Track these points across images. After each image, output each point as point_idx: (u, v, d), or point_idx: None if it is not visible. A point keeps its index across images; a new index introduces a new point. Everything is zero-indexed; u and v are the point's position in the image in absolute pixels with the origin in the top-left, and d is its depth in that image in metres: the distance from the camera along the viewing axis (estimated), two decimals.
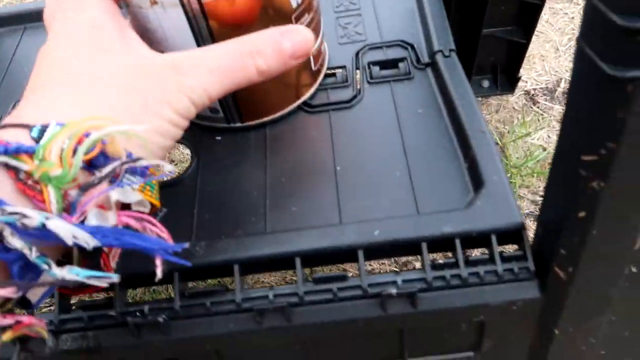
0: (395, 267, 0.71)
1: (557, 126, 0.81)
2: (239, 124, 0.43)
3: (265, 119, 0.44)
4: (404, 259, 0.72)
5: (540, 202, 0.74)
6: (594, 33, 0.23)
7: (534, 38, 0.77)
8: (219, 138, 0.44)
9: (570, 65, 0.89)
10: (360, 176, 0.39)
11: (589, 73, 0.24)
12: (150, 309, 0.34)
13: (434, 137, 0.41)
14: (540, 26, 0.94)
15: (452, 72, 0.43)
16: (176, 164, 0.80)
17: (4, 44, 0.57)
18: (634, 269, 0.31)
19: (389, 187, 0.39)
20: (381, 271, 0.72)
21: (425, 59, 0.46)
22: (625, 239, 0.29)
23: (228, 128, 0.44)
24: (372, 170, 0.40)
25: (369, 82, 0.46)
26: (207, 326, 0.35)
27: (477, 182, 0.37)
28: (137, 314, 0.34)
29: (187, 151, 0.44)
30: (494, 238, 0.33)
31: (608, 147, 0.24)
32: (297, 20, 0.38)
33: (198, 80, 0.30)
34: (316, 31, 0.42)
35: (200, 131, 0.45)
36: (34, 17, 0.58)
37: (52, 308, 0.38)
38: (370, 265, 0.72)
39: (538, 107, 0.83)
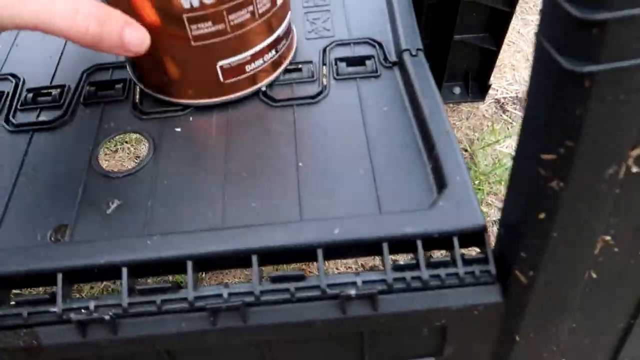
0: (362, 271, 0.70)
1: None
2: (194, 105, 0.42)
3: (216, 99, 0.42)
4: (370, 263, 0.72)
5: None
6: (551, 26, 0.22)
7: (505, 47, 0.78)
8: (178, 129, 0.42)
9: None
10: (322, 173, 0.38)
11: (547, 68, 0.23)
12: (96, 306, 0.32)
13: (399, 136, 0.40)
14: (512, 36, 0.95)
15: (419, 72, 0.43)
16: (135, 154, 0.78)
17: None
18: (594, 275, 0.31)
19: (352, 185, 0.38)
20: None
21: (392, 57, 0.46)
22: (585, 242, 0.28)
23: (187, 115, 0.43)
24: (335, 167, 0.39)
25: (335, 79, 0.45)
26: (157, 325, 0.33)
27: (440, 182, 0.36)
28: (82, 310, 0.32)
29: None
30: (455, 240, 0.33)
31: (567, 145, 0.24)
32: None
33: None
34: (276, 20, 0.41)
35: (160, 123, 0.43)
36: None
37: None
38: (336, 269, 0.71)
39: (507, 116, 0.84)
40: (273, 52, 0.43)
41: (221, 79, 0.41)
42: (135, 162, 0.40)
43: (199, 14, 0.37)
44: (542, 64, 0.23)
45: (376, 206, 0.36)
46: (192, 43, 0.38)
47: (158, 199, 0.38)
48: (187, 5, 0.36)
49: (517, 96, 0.87)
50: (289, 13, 0.44)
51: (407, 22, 0.47)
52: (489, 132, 0.82)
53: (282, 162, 0.39)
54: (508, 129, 0.83)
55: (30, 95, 0.46)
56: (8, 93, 0.46)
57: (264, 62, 0.42)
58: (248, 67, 0.42)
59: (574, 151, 0.24)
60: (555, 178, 0.25)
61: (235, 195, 0.37)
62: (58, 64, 0.49)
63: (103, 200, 0.38)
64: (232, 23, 0.38)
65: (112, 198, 0.38)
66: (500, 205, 0.76)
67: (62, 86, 0.46)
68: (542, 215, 0.27)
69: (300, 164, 0.39)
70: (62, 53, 0.50)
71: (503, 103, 0.86)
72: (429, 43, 0.72)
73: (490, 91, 0.84)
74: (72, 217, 0.37)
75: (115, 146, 0.78)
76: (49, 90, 0.46)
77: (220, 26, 0.38)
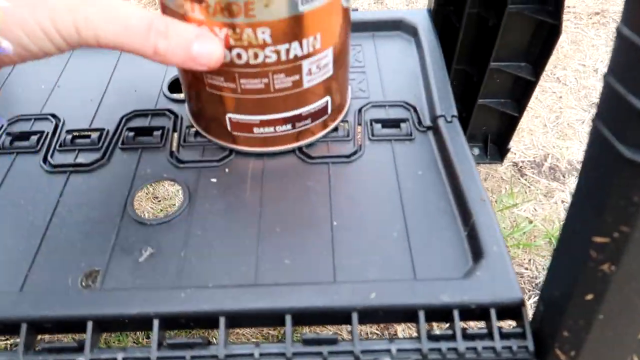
0: (377, 329, 0.68)
1: (544, 200, 0.82)
2: (235, 149, 0.44)
3: (258, 149, 0.43)
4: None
5: (525, 275, 0.74)
6: (611, 114, 0.23)
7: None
8: (214, 180, 0.43)
9: (557, 142, 0.91)
10: (356, 233, 0.38)
11: (604, 154, 0.24)
12: (124, 358, 0.32)
13: (433, 201, 0.41)
14: (530, 102, 0.97)
15: (454, 138, 0.43)
16: (170, 201, 0.77)
17: None
18: (636, 359, 0.30)
19: (386, 247, 0.38)
20: (362, 333, 0.69)
21: (427, 122, 0.47)
22: (631, 326, 0.28)
23: (223, 167, 0.43)
24: (369, 228, 0.39)
25: (370, 139, 0.46)
26: None
27: (476, 251, 0.36)
28: None
29: (181, 191, 0.43)
30: (493, 312, 0.32)
31: (622, 230, 0.24)
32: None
33: (97, 20, 0.32)
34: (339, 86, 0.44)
35: (196, 172, 0.43)
36: None
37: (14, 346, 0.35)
38: (366, 328, 0.70)
39: (525, 180, 0.85)
40: (324, 116, 0.44)
41: (262, 131, 0.42)
42: (170, 210, 0.40)
43: (248, 70, 0.38)
44: (598, 148, 0.24)
45: (411, 271, 0.36)
46: (240, 95, 0.40)
47: (192, 249, 0.38)
48: (240, 62, 0.37)
49: (534, 160, 0.88)
50: (348, 86, 0.46)
51: (442, 88, 0.49)
52: (507, 195, 0.82)
53: (316, 219, 0.39)
54: (526, 192, 0.83)
55: (69, 136, 0.46)
56: (48, 133, 0.47)
57: (311, 122, 0.43)
58: (297, 124, 0.43)
59: (628, 236, 0.24)
60: (607, 261, 0.25)
61: (269, 251, 0.37)
62: (98, 107, 0.50)
63: (136, 247, 0.38)
64: (276, 86, 0.39)
65: (145, 245, 0.38)
66: (518, 269, 0.76)
67: (101, 130, 0.47)
68: (589, 297, 0.27)
69: (335, 222, 0.39)
70: (102, 97, 0.51)
71: (521, 167, 0.87)
72: None
73: (509, 154, 0.85)
74: (104, 262, 0.37)
75: (150, 193, 0.78)
76: (88, 133, 0.47)
77: (264, 84, 0.39)
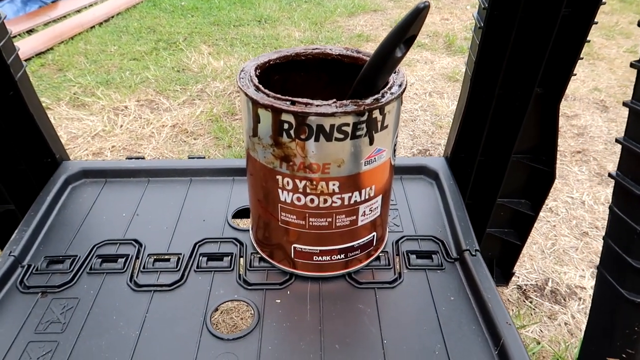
0: None
1: (549, 322, 0.88)
2: (295, 274, 0.53)
3: (315, 274, 0.52)
4: None
5: None
6: (614, 268, 0.32)
7: None
8: (278, 301, 0.50)
9: (555, 267, 1.00)
10: (404, 350, 0.45)
11: (609, 294, 0.33)
12: None
13: (466, 323, 0.48)
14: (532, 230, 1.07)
15: (479, 269, 0.52)
16: (241, 319, 0.82)
17: (87, 192, 0.65)
18: None
19: None
20: None
21: (454, 254, 0.56)
22: None
23: (285, 289, 0.51)
24: (415, 346, 0.46)
25: (407, 268, 0.54)
26: None
27: None
28: None
29: (251, 310, 0.50)
30: None
31: (628, 352, 0.32)
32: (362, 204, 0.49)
33: None
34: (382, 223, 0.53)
35: (262, 294, 0.51)
36: (114, 174, 0.68)
37: None
38: None
39: (530, 302, 0.92)
40: (370, 248, 0.53)
41: (320, 259, 0.51)
42: (243, 327, 0.47)
43: (317, 211, 0.48)
44: (604, 289, 0.33)
45: None
46: (307, 230, 0.49)
47: None
48: (311, 205, 0.47)
49: (537, 284, 0.96)
50: (387, 224, 0.55)
51: (463, 224, 0.58)
52: (514, 316, 0.89)
53: (369, 337, 0.46)
54: (531, 314, 0.90)
55: (151, 259, 0.55)
56: (132, 256, 0.55)
57: (360, 253, 0.52)
58: (349, 254, 0.52)
59: (634, 357, 0.32)
60: None
61: None
62: (173, 234, 0.59)
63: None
64: (337, 224, 0.49)
65: (223, 358, 0.45)
66: None
67: (178, 254, 0.55)
68: None
69: (385, 340, 0.46)
70: (176, 225, 0.60)
71: (525, 290, 0.95)
72: None
73: (513, 277, 0.93)
74: None
75: (224, 311, 0.84)
76: (167, 257, 0.55)
77: (328, 222, 0.49)
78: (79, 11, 2.28)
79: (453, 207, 0.61)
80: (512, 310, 0.91)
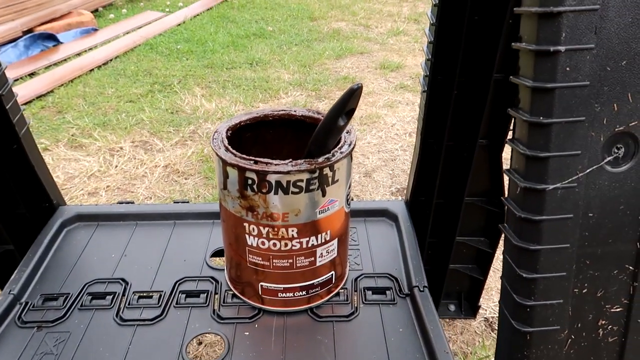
0: None
1: None
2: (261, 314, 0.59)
3: (280, 309, 0.58)
4: None
5: None
6: (507, 302, 0.39)
7: (491, 273, 0.96)
8: (247, 333, 0.57)
9: None
10: None
11: (506, 326, 0.40)
12: None
13: (410, 351, 0.55)
14: (497, 265, 1.14)
15: (426, 304, 0.59)
16: (214, 350, 0.88)
17: (81, 235, 0.72)
18: None
19: None
20: None
21: (405, 290, 0.63)
22: None
23: (254, 322, 0.58)
24: None
25: (363, 303, 0.61)
26: None
27: None
28: None
29: (222, 342, 0.56)
30: None
31: None
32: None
33: None
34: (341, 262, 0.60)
35: (233, 327, 0.57)
36: (105, 217, 0.75)
37: None
38: None
39: (495, 334, 0.98)
40: (330, 285, 0.60)
41: (284, 296, 0.58)
42: (214, 356, 0.53)
43: (279, 254, 0.55)
44: (504, 323, 0.40)
45: None
46: (271, 270, 0.56)
47: None
48: (274, 248, 0.54)
49: None
50: (347, 261, 0.62)
51: (415, 263, 0.65)
52: (480, 347, 0.95)
53: None
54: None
55: (135, 297, 0.61)
56: (119, 294, 0.62)
57: (320, 290, 0.59)
58: (310, 291, 0.58)
59: None
60: None
61: None
62: (156, 273, 0.65)
63: None
64: (298, 265, 0.56)
65: None
66: None
67: (160, 291, 0.62)
68: None
69: None
70: (159, 265, 0.67)
71: (491, 322, 1.01)
72: (429, 269, 0.90)
73: (480, 310, 0.99)
74: None
75: (199, 342, 0.90)
76: (150, 294, 0.62)
77: (289, 263, 0.56)
78: (79, 54, 2.40)
79: (408, 247, 0.68)
80: (478, 341, 0.97)
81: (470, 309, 0.97)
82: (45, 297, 0.61)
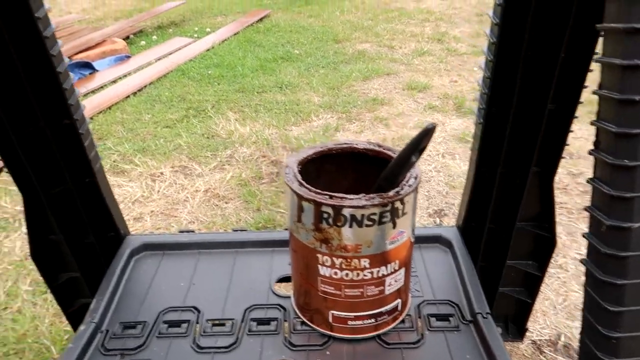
0: None
1: None
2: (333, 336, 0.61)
3: (349, 336, 0.60)
4: None
5: None
6: (590, 334, 0.41)
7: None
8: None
9: (567, 322, 1.07)
10: None
11: (591, 357, 0.41)
12: None
13: None
14: (542, 286, 1.14)
15: (491, 331, 0.61)
16: None
17: (148, 264, 0.76)
18: None
19: None
20: None
21: (468, 317, 0.64)
22: None
23: (325, 349, 0.60)
24: None
25: (428, 330, 0.63)
26: None
27: None
28: None
29: None
30: None
31: None
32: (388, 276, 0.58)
33: None
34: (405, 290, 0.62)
35: (306, 354, 0.60)
36: (170, 247, 0.79)
37: None
38: None
39: (544, 357, 0.98)
40: (396, 312, 0.62)
41: (354, 323, 0.60)
42: None
43: (351, 284, 0.57)
44: (586, 353, 0.42)
45: None
46: (342, 299, 0.58)
47: None
48: (346, 278, 0.57)
49: (550, 339, 1.02)
50: (409, 290, 0.65)
51: (475, 289, 0.67)
52: None
53: None
54: None
55: (209, 324, 0.64)
56: (193, 322, 0.65)
57: (388, 317, 0.61)
58: (378, 319, 0.61)
59: None
60: None
61: None
62: (225, 301, 0.68)
63: None
64: (368, 293, 0.58)
65: None
66: None
67: (231, 319, 0.65)
68: None
69: None
70: (227, 293, 0.70)
71: (539, 345, 1.01)
72: None
73: (527, 333, 1.00)
74: None
75: None
76: (223, 322, 0.65)
77: (360, 292, 0.58)
78: (114, 81, 2.48)
79: (465, 273, 0.70)
80: None
81: (517, 331, 0.98)
82: (125, 325, 0.65)
